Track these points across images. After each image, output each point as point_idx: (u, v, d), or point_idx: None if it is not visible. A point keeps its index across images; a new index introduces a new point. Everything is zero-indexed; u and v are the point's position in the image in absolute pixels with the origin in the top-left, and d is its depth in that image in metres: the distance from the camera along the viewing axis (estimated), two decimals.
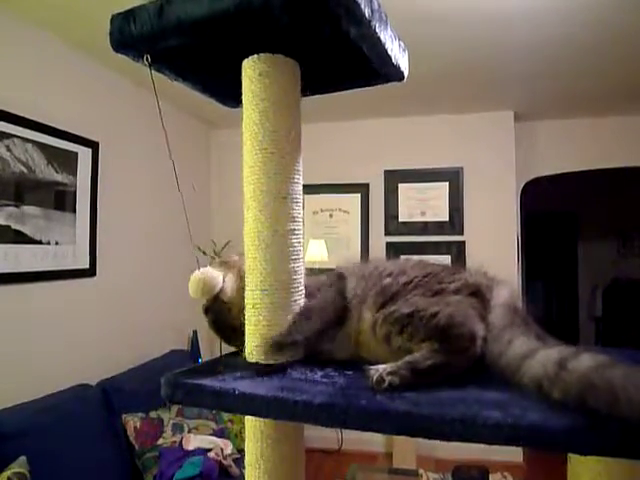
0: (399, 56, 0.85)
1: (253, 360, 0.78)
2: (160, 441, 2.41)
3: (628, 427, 0.49)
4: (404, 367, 0.65)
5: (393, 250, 3.76)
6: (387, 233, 3.82)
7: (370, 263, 0.91)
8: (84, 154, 2.62)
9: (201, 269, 0.85)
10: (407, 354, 0.70)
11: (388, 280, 0.81)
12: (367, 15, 0.69)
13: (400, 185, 3.79)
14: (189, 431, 2.50)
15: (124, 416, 2.41)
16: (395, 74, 0.88)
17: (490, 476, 2.35)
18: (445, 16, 2.25)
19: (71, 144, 2.53)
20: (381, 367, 0.66)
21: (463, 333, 0.69)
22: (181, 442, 2.40)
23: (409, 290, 0.77)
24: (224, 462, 2.37)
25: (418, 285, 0.78)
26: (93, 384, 2.44)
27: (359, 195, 3.85)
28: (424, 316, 0.71)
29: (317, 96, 0.99)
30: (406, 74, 0.90)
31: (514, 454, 3.37)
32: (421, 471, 2.45)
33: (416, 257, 0.95)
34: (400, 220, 3.79)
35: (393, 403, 0.58)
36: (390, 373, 0.64)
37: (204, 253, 3.55)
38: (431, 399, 0.59)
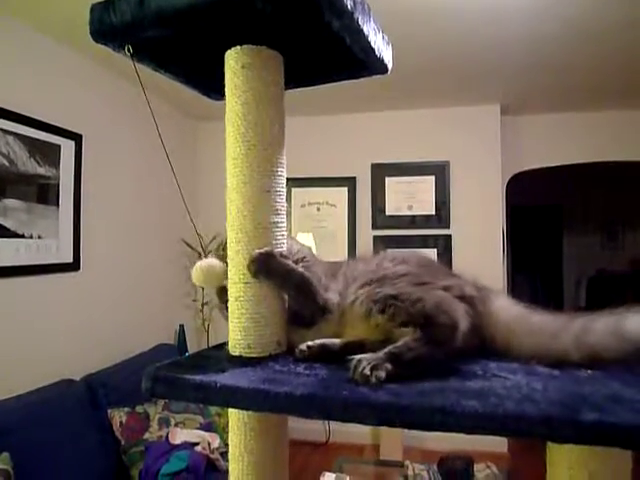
0: (382, 48, 0.85)
1: (236, 353, 0.78)
2: (146, 435, 2.40)
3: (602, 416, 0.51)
4: (387, 358, 0.65)
5: (380, 243, 3.78)
6: (374, 226, 3.83)
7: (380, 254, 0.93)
8: (67, 147, 2.58)
9: (207, 259, 0.87)
10: (384, 333, 0.71)
11: (386, 264, 0.82)
12: (349, 7, 0.68)
13: (387, 179, 3.80)
14: (176, 425, 2.49)
15: (109, 411, 2.39)
16: (379, 67, 0.88)
17: (475, 466, 2.38)
18: (432, 10, 2.25)
19: (54, 136, 2.49)
20: (364, 359, 0.65)
21: (446, 322, 0.69)
22: (167, 436, 2.39)
23: (399, 276, 0.78)
24: (211, 456, 2.37)
25: (409, 274, 0.78)
26: (78, 379, 2.42)
27: (346, 188, 3.85)
28: (408, 299, 0.72)
29: (305, 89, 0.99)
30: (390, 67, 0.90)
31: (499, 444, 3.42)
32: (407, 462, 2.48)
33: (424, 251, 0.97)
34: (387, 213, 3.80)
35: (374, 394, 0.58)
36: (374, 367, 0.63)
37: (189, 246, 3.53)
38: (412, 390, 0.60)
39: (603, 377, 0.63)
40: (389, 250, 3.68)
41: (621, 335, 0.66)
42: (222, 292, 0.86)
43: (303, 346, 0.75)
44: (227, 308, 0.84)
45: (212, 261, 0.86)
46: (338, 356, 0.72)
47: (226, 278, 0.82)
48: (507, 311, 0.77)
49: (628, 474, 0.61)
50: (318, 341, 0.76)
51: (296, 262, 0.84)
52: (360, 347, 0.72)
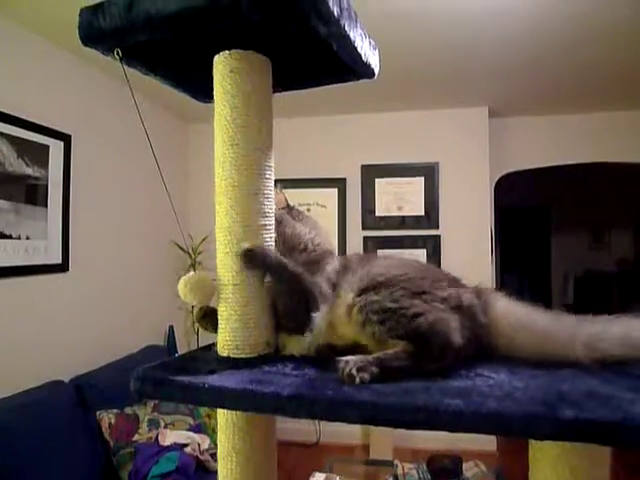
0: (369, 54, 0.86)
1: (225, 354, 0.79)
2: (136, 437, 2.39)
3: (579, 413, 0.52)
4: (374, 363, 0.67)
5: (371, 244, 3.80)
6: (364, 227, 3.85)
7: (376, 255, 0.95)
8: (56, 147, 2.57)
9: (196, 272, 0.84)
10: (380, 342, 0.72)
11: (381, 269, 0.81)
12: (336, 13, 0.70)
13: (377, 180, 3.82)
14: (165, 426, 2.49)
15: (98, 413, 2.38)
16: (366, 71, 0.89)
17: (463, 465, 2.40)
18: (422, 13, 2.27)
19: (42, 137, 2.47)
20: (351, 360, 0.67)
21: (439, 343, 0.69)
22: (157, 438, 2.38)
23: (396, 283, 0.77)
24: (201, 457, 2.36)
25: (408, 280, 0.78)
26: (67, 381, 2.41)
27: (336, 190, 3.87)
28: (406, 314, 0.72)
29: (294, 91, 1.00)
30: (377, 71, 0.92)
31: (488, 443, 3.45)
32: (397, 461, 2.49)
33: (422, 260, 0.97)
34: (377, 214, 3.82)
35: (359, 393, 0.60)
36: (360, 369, 0.65)
37: (180, 248, 3.52)
38: (396, 389, 0.61)
39: (583, 375, 0.65)
40: (383, 251, 3.67)
41: (632, 344, 0.67)
42: (202, 315, 0.85)
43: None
44: (208, 328, 0.84)
45: (201, 274, 0.83)
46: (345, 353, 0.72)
47: (212, 295, 0.82)
48: (510, 317, 0.76)
49: (607, 469, 0.63)
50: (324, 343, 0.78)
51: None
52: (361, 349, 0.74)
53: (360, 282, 0.79)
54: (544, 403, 0.56)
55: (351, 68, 0.86)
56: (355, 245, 3.78)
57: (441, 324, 0.71)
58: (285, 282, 0.78)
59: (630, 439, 0.51)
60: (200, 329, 0.84)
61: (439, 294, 0.76)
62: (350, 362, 0.66)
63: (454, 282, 0.83)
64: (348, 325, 0.77)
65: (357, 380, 0.63)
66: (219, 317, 0.81)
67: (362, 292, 0.77)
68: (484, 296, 0.79)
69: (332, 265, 0.85)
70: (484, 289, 0.82)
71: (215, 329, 0.83)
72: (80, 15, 0.77)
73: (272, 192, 0.83)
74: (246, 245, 0.78)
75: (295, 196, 3.83)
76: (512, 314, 0.76)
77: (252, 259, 0.77)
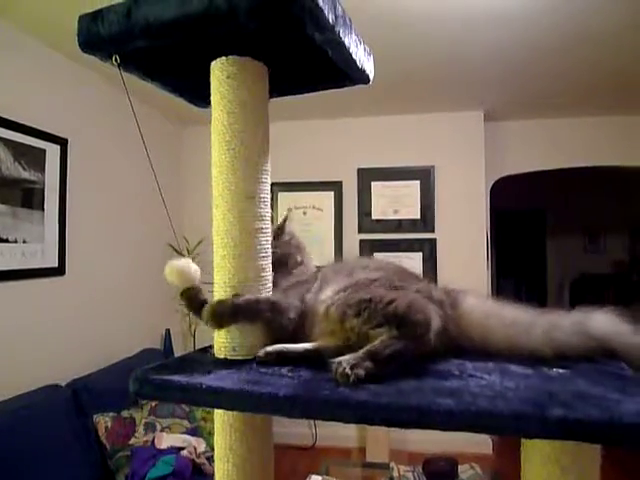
0: (364, 60, 0.88)
1: (222, 356, 0.80)
2: (132, 440, 2.39)
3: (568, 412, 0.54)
4: (366, 357, 0.68)
5: (367, 247, 3.81)
6: (361, 230, 3.86)
7: (353, 260, 1.01)
8: (53, 151, 2.57)
9: (182, 259, 0.87)
10: (360, 336, 0.73)
11: (359, 271, 0.85)
12: (331, 21, 0.71)
13: (373, 183, 3.83)
14: (162, 430, 2.49)
15: (95, 416, 2.38)
16: (360, 77, 0.91)
17: (459, 467, 2.42)
18: (417, 17, 2.29)
19: (39, 141, 2.48)
20: (344, 360, 0.67)
21: (420, 320, 0.72)
22: (153, 441, 2.39)
23: (372, 281, 0.80)
24: (197, 460, 2.37)
25: (381, 278, 0.82)
26: (63, 384, 2.41)
27: (332, 193, 3.88)
28: (382, 301, 0.74)
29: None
30: (371, 77, 0.93)
31: (483, 446, 3.46)
32: (392, 464, 2.50)
33: (393, 259, 1.02)
34: (373, 217, 3.84)
35: (354, 393, 0.61)
36: (354, 366, 0.66)
37: (176, 251, 3.52)
38: (390, 389, 0.62)
39: (572, 376, 0.67)
40: (379, 255, 3.68)
41: (586, 333, 0.71)
42: (188, 295, 0.87)
43: (261, 352, 0.77)
44: (193, 312, 0.86)
45: (186, 261, 0.87)
46: (298, 361, 0.75)
47: (196, 279, 0.84)
48: (479, 309, 0.80)
49: (597, 469, 0.64)
50: (278, 346, 0.78)
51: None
52: (319, 354, 0.75)
53: (337, 284, 0.82)
54: (534, 403, 0.57)
55: (346, 74, 0.88)
56: (351, 248, 3.80)
57: (417, 304, 0.74)
58: (265, 317, 0.80)
59: (616, 437, 0.52)
60: (197, 332, 0.86)
61: (411, 287, 0.80)
62: (343, 362, 0.67)
63: (425, 282, 0.87)
64: (329, 325, 0.79)
65: (352, 378, 0.64)
66: None
67: (338, 292, 0.80)
68: (453, 294, 0.83)
69: (314, 278, 0.91)
70: (452, 289, 0.86)
71: (190, 308, 0.86)
72: (79, 22, 0.78)
73: (268, 196, 0.85)
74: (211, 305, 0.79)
75: (291, 199, 3.84)
76: (480, 308, 0.80)
77: (220, 317, 0.78)
